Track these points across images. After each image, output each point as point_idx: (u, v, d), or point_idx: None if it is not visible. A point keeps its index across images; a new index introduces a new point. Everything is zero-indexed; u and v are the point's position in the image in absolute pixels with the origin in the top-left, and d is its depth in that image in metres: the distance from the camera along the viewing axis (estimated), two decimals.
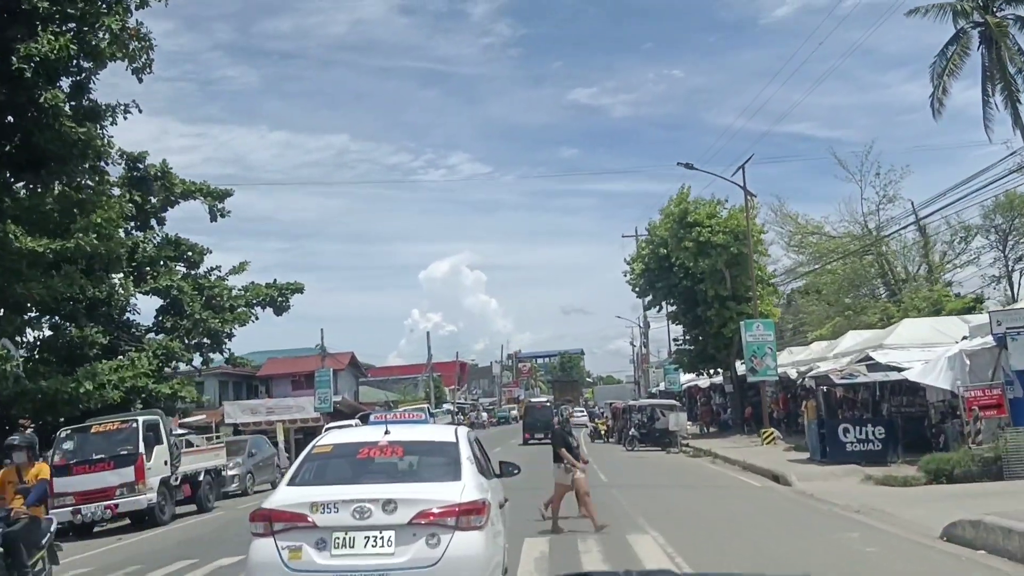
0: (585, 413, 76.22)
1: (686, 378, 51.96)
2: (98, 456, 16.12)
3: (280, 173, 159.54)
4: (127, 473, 16.04)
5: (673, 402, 36.15)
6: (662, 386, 62.88)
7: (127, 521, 17.16)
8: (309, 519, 6.05)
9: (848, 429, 19.42)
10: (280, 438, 34.72)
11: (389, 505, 6.06)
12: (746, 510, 14.35)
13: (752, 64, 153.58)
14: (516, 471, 8.72)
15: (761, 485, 18.25)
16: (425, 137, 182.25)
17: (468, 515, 6.14)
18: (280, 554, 6.02)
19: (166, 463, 17.06)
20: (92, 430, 16.63)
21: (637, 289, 41.34)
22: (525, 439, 41.90)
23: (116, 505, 16.03)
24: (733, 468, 22.34)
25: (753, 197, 29.07)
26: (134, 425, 16.55)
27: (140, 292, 24.15)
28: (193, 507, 18.84)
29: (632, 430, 33.58)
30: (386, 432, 7.12)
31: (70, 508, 15.74)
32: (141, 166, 24.97)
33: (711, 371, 39.46)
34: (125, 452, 16.23)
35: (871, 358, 22.00)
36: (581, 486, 12.70)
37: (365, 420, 44.03)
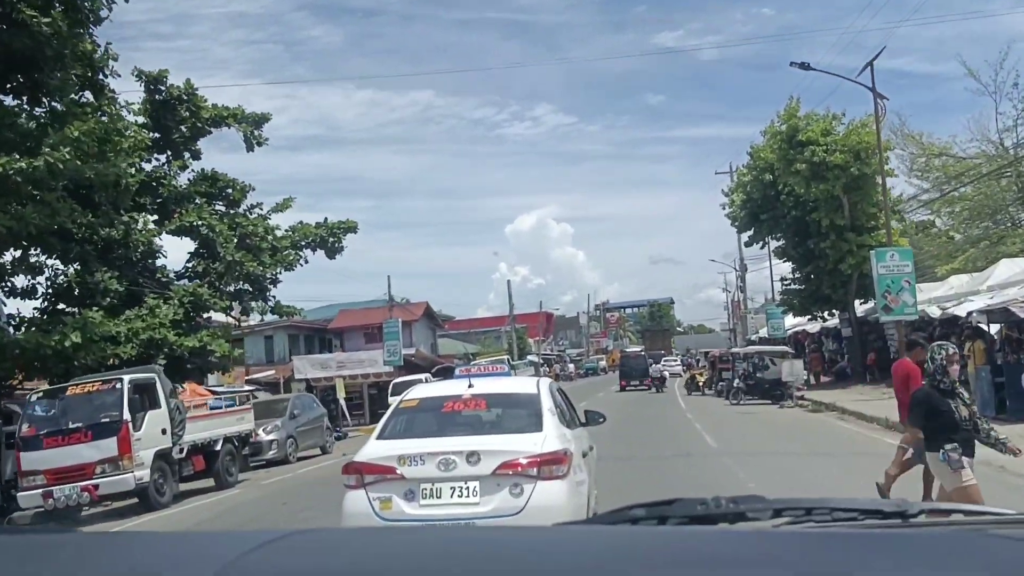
0: (679, 361, 72.51)
1: (792, 322, 47.14)
2: (74, 425, 12.83)
3: (366, 131, 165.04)
4: (108, 446, 12.68)
5: (785, 348, 31.65)
6: (763, 332, 58.12)
7: (133, 500, 14.08)
8: (397, 471, 6.33)
9: None
10: (340, 394, 31.85)
11: (473, 457, 6.30)
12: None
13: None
14: (601, 419, 8.49)
15: None
16: (509, 89, 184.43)
17: (550, 465, 6.32)
18: (372, 505, 6.30)
19: (164, 432, 13.83)
20: (68, 392, 13.30)
21: (737, 223, 36.66)
22: (622, 386, 44.47)
23: (96, 486, 12.77)
24: (871, 427, 18.09)
25: (884, 100, 24.21)
26: (118, 385, 13.20)
27: (167, 232, 21.04)
28: (211, 482, 15.74)
29: (737, 381, 29.35)
30: (469, 385, 7.34)
31: (40, 490, 12.73)
32: (163, 88, 21.78)
33: (825, 313, 34.64)
34: (107, 419, 12.89)
35: None
36: (969, 495, 6.73)
37: (443, 374, 41.17)
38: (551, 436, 6.60)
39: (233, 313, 23.07)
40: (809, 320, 36.62)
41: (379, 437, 6.95)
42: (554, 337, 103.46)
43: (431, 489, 6.28)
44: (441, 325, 51.84)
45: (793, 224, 33.13)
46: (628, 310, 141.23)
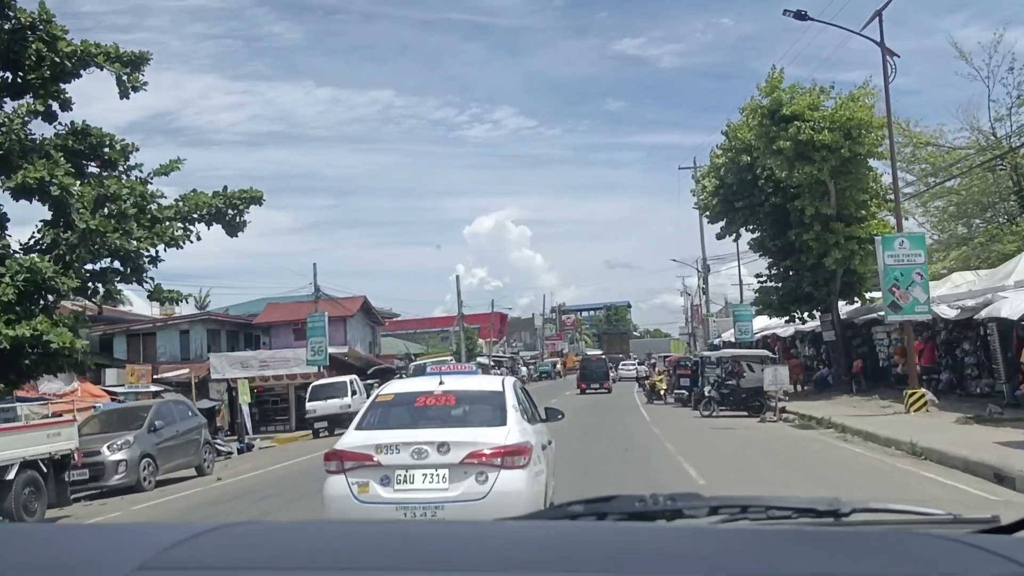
0: (635, 366, 70.02)
1: (760, 325, 43.83)
2: None
3: (326, 129, 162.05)
4: None
5: (766, 353, 28.01)
6: (726, 336, 55.08)
7: None
8: (374, 459, 7.04)
9: None
10: (243, 398, 27.49)
11: (443, 447, 7.00)
12: None
13: (804, 8, 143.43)
14: (560, 416, 9.40)
15: (979, 492, 10.32)
16: (470, 91, 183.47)
17: (512, 456, 7.02)
18: (351, 489, 7.01)
19: None
20: None
21: (708, 213, 32.95)
22: (581, 388, 45.26)
23: None
24: (890, 453, 14.30)
25: (894, 58, 20.52)
26: None
27: (3, 189, 16.47)
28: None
29: (709, 389, 25.53)
30: (440, 383, 8.05)
31: None
32: (11, 12, 17.20)
33: (805, 315, 31.01)
34: None
35: None
36: None
37: (381, 376, 36.84)
38: (514, 430, 7.33)
39: (96, 298, 18.50)
40: (786, 322, 32.97)
41: (357, 428, 7.60)
42: (507, 339, 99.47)
43: (405, 475, 6.99)
44: (381, 322, 47.45)
45: (772, 213, 29.51)
46: (585, 313, 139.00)
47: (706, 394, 24.87)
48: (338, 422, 27.40)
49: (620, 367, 66.66)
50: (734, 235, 33.25)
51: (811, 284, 28.59)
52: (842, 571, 1.13)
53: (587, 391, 44.68)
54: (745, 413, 24.14)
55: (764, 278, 32.13)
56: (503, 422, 7.36)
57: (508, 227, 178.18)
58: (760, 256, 32.16)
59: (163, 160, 19.12)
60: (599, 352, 64.34)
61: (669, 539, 1.35)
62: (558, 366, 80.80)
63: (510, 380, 8.59)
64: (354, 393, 29.11)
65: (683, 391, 30.58)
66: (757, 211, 29.69)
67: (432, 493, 6.84)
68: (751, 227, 31.65)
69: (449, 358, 40.44)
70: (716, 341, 56.08)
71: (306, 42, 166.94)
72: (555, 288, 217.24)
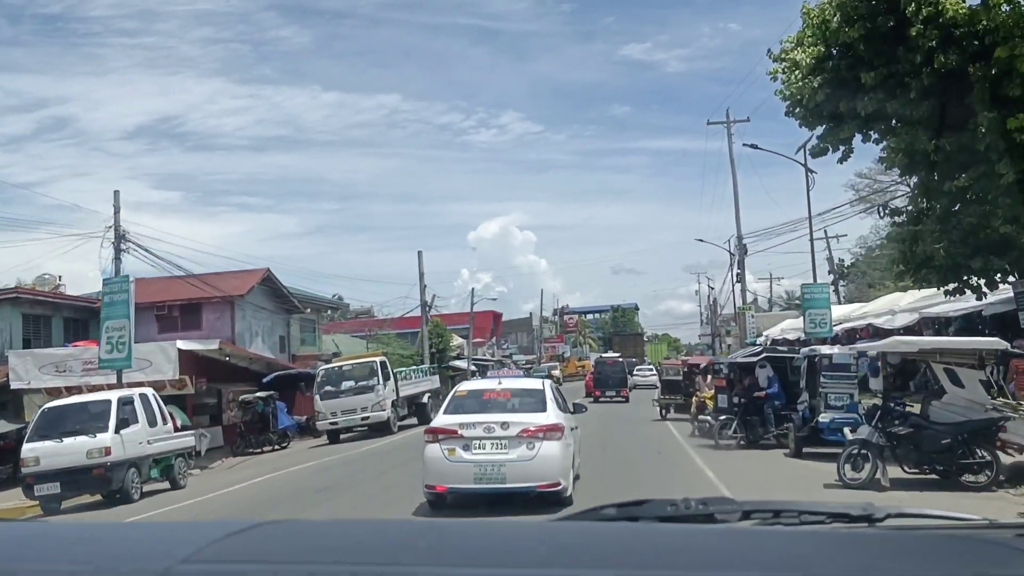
0: (654, 372, 57.25)
1: (842, 312, 30.55)
2: None
3: (332, 134, 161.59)
4: None
5: (995, 343, 13.56)
6: (773, 332, 41.90)
7: None
8: (459, 432, 10.78)
9: None
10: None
11: (504, 425, 10.77)
12: None
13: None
14: (584, 409, 14.47)
15: None
16: (476, 96, 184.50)
17: (551, 431, 10.75)
18: (443, 452, 10.73)
19: None
20: None
21: (803, 108, 18.90)
22: (596, 396, 39.56)
23: None
24: None
25: None
26: None
27: None
28: None
29: (871, 431, 11.67)
30: (499, 383, 12.32)
31: None
32: None
33: (981, 282, 17.14)
34: None
35: None
36: None
37: (289, 385, 24.42)
38: (551, 414, 11.17)
39: None
40: (949, 294, 18.78)
41: (445, 413, 11.58)
42: (501, 340, 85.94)
43: (479, 443, 10.70)
44: (299, 307, 33.58)
45: (924, 106, 15.76)
46: (589, 315, 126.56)
47: (865, 438, 10.98)
48: (79, 485, 14.20)
49: (635, 372, 54.16)
50: (843, 146, 19.17)
51: (1011, 221, 14.85)
52: (880, 573, 1.13)
53: (601, 399, 38.92)
54: (933, 476, 10.66)
55: (902, 216, 18.28)
56: (544, 409, 11.26)
57: (513, 232, 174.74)
58: (900, 177, 18.31)
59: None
60: (616, 355, 53.03)
61: (702, 540, 1.34)
62: (555, 372, 66.60)
63: (547, 382, 12.93)
64: (149, 423, 15.75)
65: (727, 415, 17.28)
66: (907, 86, 15.91)
67: (497, 455, 10.58)
68: (870, 132, 17.75)
69: (376, 359, 26.93)
70: (762, 340, 42.55)
71: (313, 46, 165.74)
72: (560, 293, 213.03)
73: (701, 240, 52.52)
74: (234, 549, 1.16)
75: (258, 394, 26.17)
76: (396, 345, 42.94)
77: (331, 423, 25.28)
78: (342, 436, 25.88)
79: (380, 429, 25.75)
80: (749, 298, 52.99)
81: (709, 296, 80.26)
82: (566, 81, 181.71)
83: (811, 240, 31.41)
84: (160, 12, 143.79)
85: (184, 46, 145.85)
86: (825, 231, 52.32)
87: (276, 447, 26.17)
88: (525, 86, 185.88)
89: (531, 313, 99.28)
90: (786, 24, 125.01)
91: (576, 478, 11.45)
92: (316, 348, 37.79)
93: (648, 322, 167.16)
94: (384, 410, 25.42)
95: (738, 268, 49.70)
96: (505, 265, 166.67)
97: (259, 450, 25.94)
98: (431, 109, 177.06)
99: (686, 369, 27.44)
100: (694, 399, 21.72)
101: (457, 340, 60.10)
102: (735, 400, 17.14)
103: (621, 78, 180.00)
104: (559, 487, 10.39)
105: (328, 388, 25.59)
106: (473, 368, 52.59)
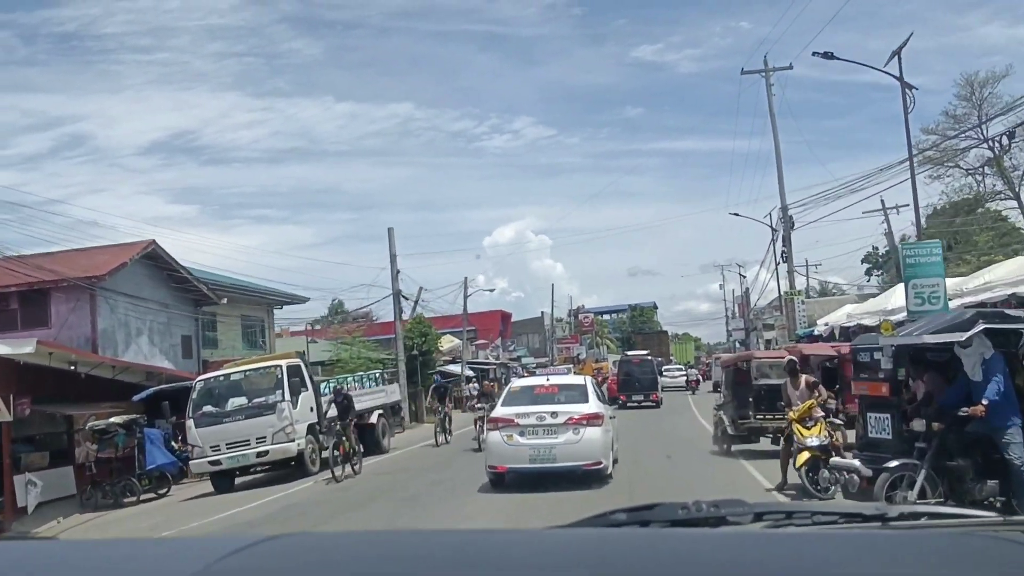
0: (684, 371, 53.26)
1: (955, 284, 22.10)
2: None
3: (346, 144, 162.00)
4: None
5: None
6: (830, 320, 34.03)
7: None
8: (515, 421, 12.98)
9: None
10: None
11: (554, 414, 12.94)
12: None
13: (822, 11, 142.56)
14: (616, 404, 21.00)
15: None
16: (488, 102, 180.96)
17: (593, 419, 12.96)
18: (502, 438, 12.99)
19: None
20: None
21: None
22: (622, 400, 33.32)
23: None
24: None
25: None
26: None
27: None
28: None
29: None
30: (547, 379, 15.66)
31: None
32: None
33: None
34: None
35: None
36: None
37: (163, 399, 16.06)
38: (593, 405, 13.42)
39: None
40: None
41: (503, 404, 13.95)
42: (506, 342, 77.25)
43: (532, 430, 12.88)
44: (213, 298, 24.99)
45: None
46: (606, 316, 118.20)
47: None
48: None
49: (664, 372, 46.83)
50: None
51: None
52: (894, 573, 1.12)
53: (628, 404, 33.32)
54: None
55: None
56: (587, 400, 13.47)
57: (528, 237, 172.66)
58: None
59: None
60: (644, 353, 43.39)
61: (713, 544, 1.33)
62: None
63: (588, 378, 15.61)
64: None
65: (901, 460, 8.40)
66: None
67: (548, 440, 12.78)
68: None
69: (281, 363, 18.30)
70: (817, 331, 33.90)
71: (324, 58, 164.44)
72: (576, 296, 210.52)
73: (736, 214, 44.65)
74: (244, 564, 1.15)
75: (113, 419, 17.71)
76: (362, 346, 34.34)
77: (211, 461, 16.94)
78: (238, 479, 17.49)
79: (295, 466, 17.37)
80: (784, 284, 44.25)
81: (741, 285, 71.67)
82: (578, 84, 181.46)
83: (912, 180, 22.43)
84: (173, 28, 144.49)
85: (198, 61, 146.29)
86: (882, 200, 43.78)
87: (145, 496, 17.83)
88: (537, 91, 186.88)
89: (542, 312, 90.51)
90: (795, 21, 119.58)
91: (615, 461, 13.89)
92: (258, 352, 29.30)
93: (666, 323, 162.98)
94: (292, 440, 16.94)
95: (783, 245, 41.35)
96: (520, 269, 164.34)
97: (118, 501, 17.60)
98: (444, 116, 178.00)
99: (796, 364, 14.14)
100: (792, 422, 11.54)
101: (455, 342, 51.81)
102: (912, 424, 8.39)
103: (633, 80, 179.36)
104: (601, 465, 12.74)
105: (207, 409, 17.28)
106: (469, 374, 44.24)
